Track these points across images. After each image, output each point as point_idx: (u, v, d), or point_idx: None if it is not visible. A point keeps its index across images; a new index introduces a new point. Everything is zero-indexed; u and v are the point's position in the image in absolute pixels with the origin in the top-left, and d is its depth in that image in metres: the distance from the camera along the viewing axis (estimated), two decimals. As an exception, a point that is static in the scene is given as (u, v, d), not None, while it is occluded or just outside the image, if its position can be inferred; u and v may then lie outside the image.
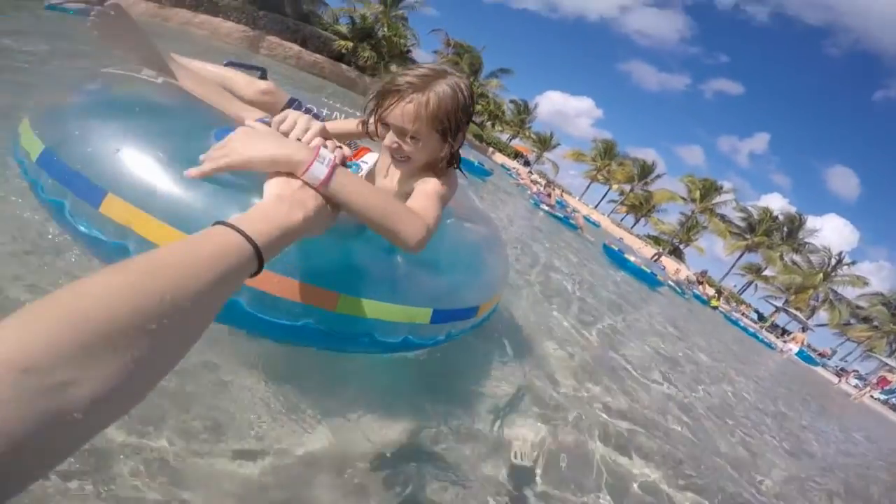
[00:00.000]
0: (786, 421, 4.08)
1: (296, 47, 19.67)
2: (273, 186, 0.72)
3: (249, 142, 0.75)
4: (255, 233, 0.55)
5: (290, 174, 0.75)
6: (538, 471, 1.44)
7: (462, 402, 1.55)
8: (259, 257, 0.55)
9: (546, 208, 10.78)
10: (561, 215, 10.61)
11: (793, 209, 38.98)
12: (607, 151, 42.07)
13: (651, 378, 2.91)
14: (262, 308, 0.88)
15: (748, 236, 36.96)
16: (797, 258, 35.71)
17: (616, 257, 8.65)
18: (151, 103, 1.08)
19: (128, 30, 1.28)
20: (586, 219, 13.64)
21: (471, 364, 1.79)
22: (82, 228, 0.89)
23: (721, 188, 38.18)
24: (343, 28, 24.10)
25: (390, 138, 1.16)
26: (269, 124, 0.90)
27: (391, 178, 1.38)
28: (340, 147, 0.89)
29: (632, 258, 8.55)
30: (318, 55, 20.45)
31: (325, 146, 0.87)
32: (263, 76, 1.84)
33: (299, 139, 0.89)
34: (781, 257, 35.45)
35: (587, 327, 3.16)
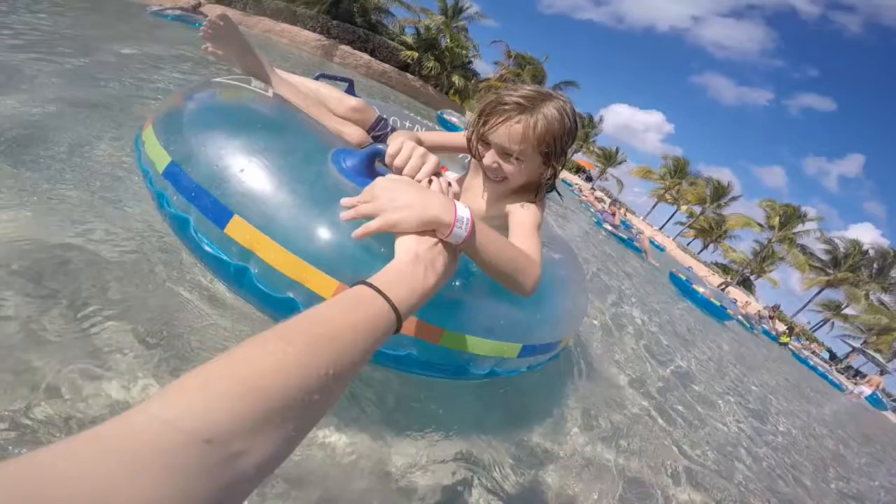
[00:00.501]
0: (843, 463, 3.82)
1: (366, 56, 20.45)
2: (408, 242, 0.72)
3: (396, 200, 0.74)
4: (397, 299, 0.58)
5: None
6: (594, 495, 1.43)
7: (525, 421, 1.55)
8: (399, 323, 0.58)
9: (609, 228, 10.44)
10: (625, 237, 10.24)
11: (886, 242, 35.27)
12: (678, 170, 39.97)
13: (715, 414, 2.82)
14: None
15: (831, 271, 33.71)
16: (886, 298, 32.34)
17: (683, 287, 8.23)
18: (270, 119, 1.11)
19: (235, 39, 1.35)
20: (651, 242, 13.05)
21: (536, 384, 1.77)
22: (207, 248, 0.92)
23: (805, 216, 35.12)
24: (409, 38, 24.77)
25: (491, 157, 1.16)
26: (382, 159, 0.94)
27: (480, 197, 1.36)
28: (450, 184, 0.91)
29: (700, 289, 8.08)
30: (385, 64, 21.13)
31: (450, 186, 0.90)
32: (351, 88, 1.90)
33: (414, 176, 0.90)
34: (867, 296, 32.16)
35: (652, 356, 3.06)
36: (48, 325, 0.93)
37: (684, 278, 8.36)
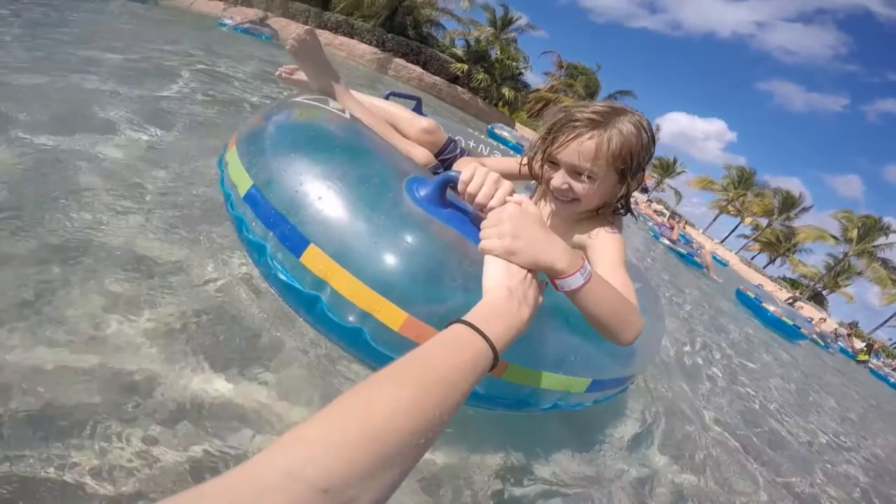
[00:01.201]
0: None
1: (418, 69, 20.89)
2: (499, 276, 0.71)
3: (520, 232, 0.75)
4: (494, 337, 0.57)
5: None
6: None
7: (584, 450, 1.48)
8: (496, 361, 0.57)
9: (667, 242, 10.02)
10: (684, 252, 9.75)
11: None
12: (743, 180, 37.83)
13: (796, 439, 2.64)
14: None
15: None
16: None
17: (752, 305, 7.76)
18: (348, 144, 1.10)
19: (318, 55, 1.38)
20: (713, 257, 12.41)
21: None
22: (282, 276, 0.92)
23: (887, 227, 32.26)
24: (459, 51, 25.05)
25: (560, 178, 1.10)
26: (453, 184, 0.92)
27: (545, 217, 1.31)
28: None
29: (771, 307, 7.57)
30: (436, 77, 21.49)
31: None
32: (419, 107, 1.91)
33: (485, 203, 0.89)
34: None
35: (719, 380, 2.90)
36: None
37: (753, 296, 7.90)
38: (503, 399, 0.99)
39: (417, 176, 1.05)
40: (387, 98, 1.72)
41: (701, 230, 32.77)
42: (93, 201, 1.43)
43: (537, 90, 31.72)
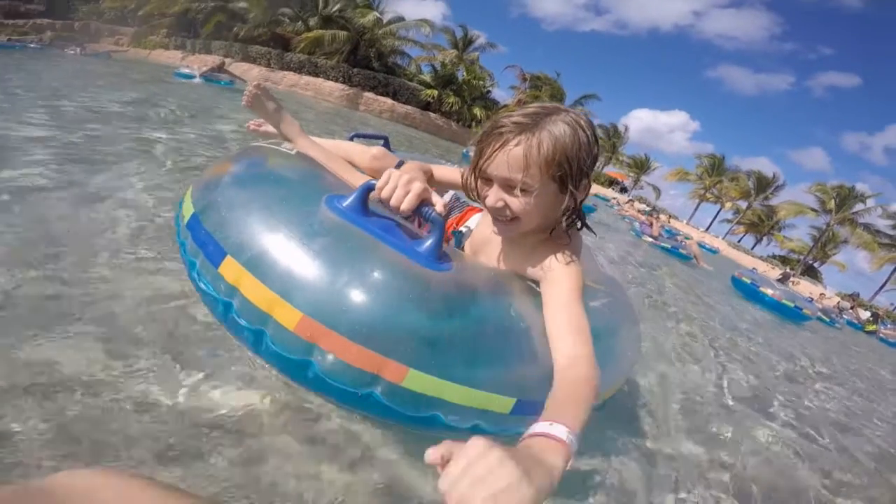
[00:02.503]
0: None
1: (389, 101, 20.94)
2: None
3: (482, 478, 0.49)
4: None
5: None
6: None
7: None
8: None
9: (649, 239, 9.88)
10: (668, 245, 9.60)
11: None
12: (716, 167, 38.11)
13: (820, 436, 2.35)
14: (334, 373, 0.86)
15: None
16: None
17: (749, 291, 7.50)
18: (279, 174, 1.17)
19: (271, 105, 1.48)
20: (701, 245, 12.20)
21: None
22: (203, 286, 0.98)
23: (861, 195, 32.58)
24: (427, 77, 25.18)
25: (494, 195, 0.97)
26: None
27: (495, 252, 1.20)
28: (441, 216, 0.93)
29: (769, 291, 7.30)
30: (408, 106, 21.58)
31: (433, 206, 0.92)
32: (386, 144, 1.92)
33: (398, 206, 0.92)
34: None
35: (718, 379, 2.63)
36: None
37: (749, 281, 7.63)
38: (404, 411, 0.89)
39: (335, 195, 1.05)
40: (351, 139, 1.77)
41: (685, 221, 32.70)
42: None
43: (506, 106, 31.94)
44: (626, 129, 40.74)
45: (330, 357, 0.84)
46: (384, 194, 0.92)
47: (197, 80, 10.82)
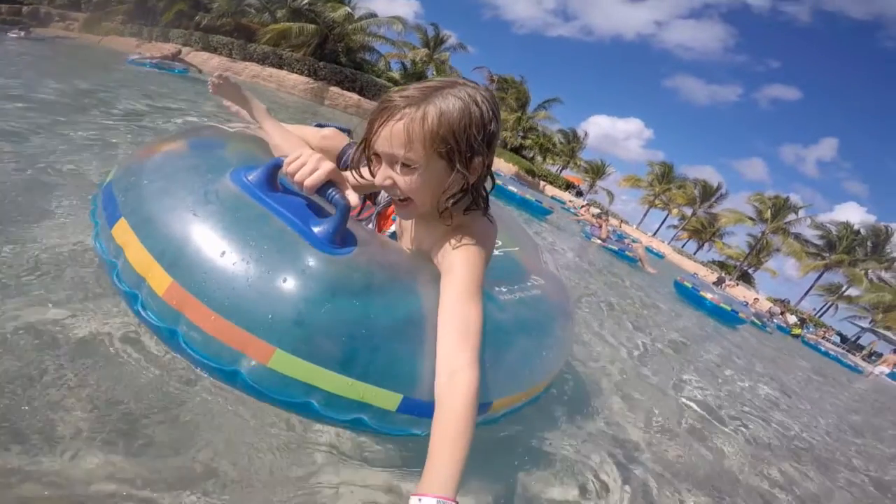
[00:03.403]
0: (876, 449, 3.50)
1: (355, 96, 20.42)
2: None
3: None
4: None
5: None
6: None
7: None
8: None
9: (598, 242, 9.98)
10: (615, 248, 9.75)
11: (872, 218, 35.47)
12: (665, 175, 39.40)
13: (746, 427, 2.41)
14: (198, 346, 0.80)
15: (827, 255, 33.10)
16: (886, 275, 31.75)
17: (690, 295, 7.66)
18: (205, 146, 1.14)
19: (236, 91, 1.53)
20: (649, 250, 12.43)
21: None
22: (98, 246, 0.97)
23: (795, 206, 34.58)
24: (396, 74, 24.73)
25: (381, 174, 0.92)
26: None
27: (409, 235, 1.15)
28: (345, 200, 0.87)
29: (708, 295, 7.51)
30: (375, 102, 20.95)
31: (336, 188, 0.88)
32: (349, 136, 1.87)
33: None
34: (867, 275, 31.56)
35: (654, 375, 2.61)
36: None
37: (690, 286, 7.84)
38: (272, 394, 0.81)
39: (243, 167, 0.99)
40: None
41: (635, 226, 33.55)
42: None
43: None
44: (586, 134, 41.30)
45: (195, 328, 0.80)
46: (290, 169, 0.87)
47: (148, 67, 10.11)
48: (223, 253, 0.82)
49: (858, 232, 32.66)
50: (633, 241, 12.05)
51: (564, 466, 1.40)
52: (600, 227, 10.81)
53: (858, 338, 31.86)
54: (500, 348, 1.04)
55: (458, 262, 0.92)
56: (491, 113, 0.89)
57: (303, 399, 0.82)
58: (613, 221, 13.30)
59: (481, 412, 1.01)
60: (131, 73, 9.15)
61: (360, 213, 1.61)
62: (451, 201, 0.95)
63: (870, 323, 30.68)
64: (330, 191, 0.90)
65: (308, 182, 0.85)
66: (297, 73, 19.86)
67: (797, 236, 34.47)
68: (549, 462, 1.40)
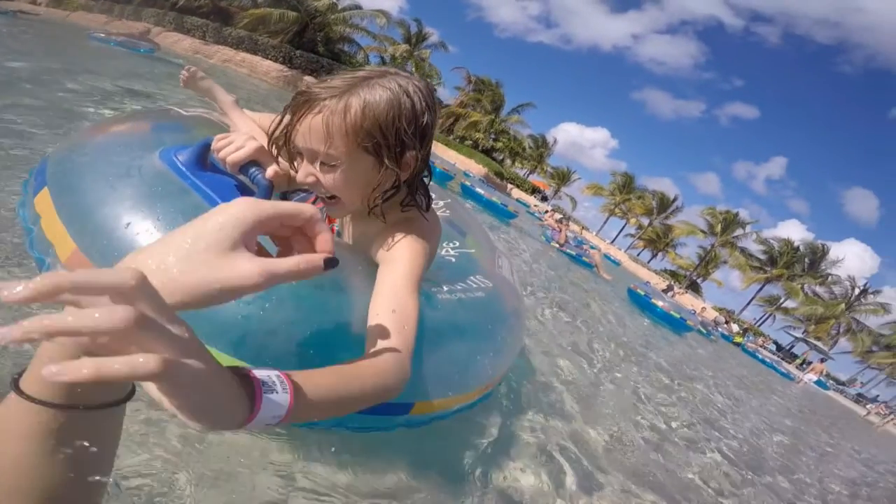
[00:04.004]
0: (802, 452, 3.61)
1: (328, 87, 19.77)
2: None
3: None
4: None
5: None
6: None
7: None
8: None
9: (557, 245, 10.02)
10: (573, 253, 9.83)
11: (811, 236, 38.83)
12: (626, 185, 40.63)
13: (681, 427, 2.49)
14: None
15: (768, 269, 35.32)
16: (819, 289, 34.21)
17: (643, 302, 7.85)
18: (151, 126, 1.12)
19: (205, 83, 1.53)
20: (606, 257, 12.68)
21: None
22: (21, 214, 0.99)
23: (743, 221, 36.53)
24: (372, 68, 24.17)
25: (303, 171, 0.83)
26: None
27: (347, 231, 1.11)
28: (267, 180, 0.86)
29: (659, 303, 7.73)
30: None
31: (261, 168, 0.87)
32: None
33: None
34: (803, 289, 33.99)
35: (602, 375, 2.59)
36: None
37: (643, 294, 8.03)
38: None
39: (173, 147, 0.99)
40: None
41: (594, 233, 34.36)
42: None
43: (447, 106, 31.63)
44: (555, 141, 41.89)
45: None
46: (217, 145, 0.87)
47: (112, 45, 9.53)
48: (128, 224, 0.81)
49: (798, 249, 34.88)
50: (592, 248, 12.26)
51: (504, 467, 1.38)
52: (560, 231, 10.88)
53: (792, 346, 34.50)
54: (430, 349, 0.98)
55: (397, 256, 0.86)
56: (424, 104, 0.82)
57: None
58: (575, 227, 13.49)
59: (402, 412, 0.98)
60: (93, 50, 8.62)
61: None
62: (382, 199, 0.88)
63: (803, 333, 32.92)
64: (253, 170, 0.87)
65: (230, 158, 0.84)
66: (271, 59, 19.23)
67: (743, 250, 36.41)
68: (490, 464, 1.37)
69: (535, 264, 6.43)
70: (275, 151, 0.88)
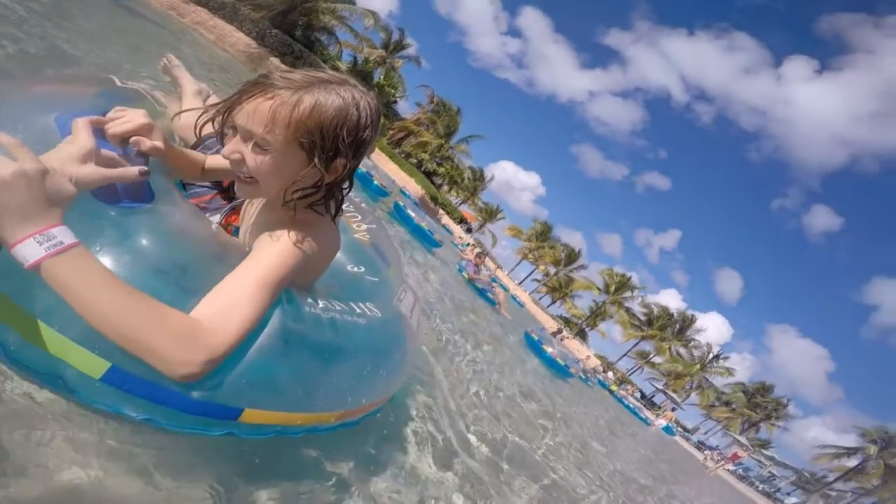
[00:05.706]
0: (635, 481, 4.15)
1: (292, 74, 18.85)
2: None
3: None
4: None
5: None
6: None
7: None
8: None
9: (466, 276, 9.65)
10: (480, 287, 9.56)
11: (684, 305, 45.21)
12: (543, 233, 42.78)
13: (554, 460, 2.45)
14: None
15: (645, 328, 40.02)
16: (682, 351, 39.69)
17: (535, 346, 8.25)
18: (66, 90, 1.08)
19: (178, 71, 1.75)
20: (513, 298, 12.99)
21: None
22: None
23: (633, 286, 40.89)
24: (343, 65, 23.32)
25: (232, 146, 0.81)
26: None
27: (248, 221, 1.05)
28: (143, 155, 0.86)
29: (549, 349, 8.16)
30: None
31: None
32: None
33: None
34: (670, 349, 39.30)
35: (485, 411, 2.35)
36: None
37: (537, 338, 8.40)
38: (36, 368, 0.71)
39: (65, 113, 0.90)
40: None
41: (507, 272, 35.53)
42: None
43: (403, 119, 31.14)
44: (493, 177, 42.82)
45: None
46: (109, 115, 0.84)
47: None
48: None
49: (672, 315, 40.12)
50: (501, 287, 12.43)
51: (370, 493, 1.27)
52: (477, 265, 10.84)
53: (654, 395, 39.73)
54: (276, 357, 0.87)
55: (268, 249, 0.83)
56: (368, 121, 0.84)
57: (61, 372, 0.71)
58: (491, 265, 13.73)
59: (225, 416, 0.85)
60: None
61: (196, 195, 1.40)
62: (299, 194, 0.86)
63: (663, 385, 38.17)
64: (130, 147, 0.85)
65: (111, 129, 0.82)
66: (244, 32, 18.01)
67: (628, 310, 40.82)
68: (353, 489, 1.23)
69: (443, 293, 6.42)
70: (208, 118, 0.85)
